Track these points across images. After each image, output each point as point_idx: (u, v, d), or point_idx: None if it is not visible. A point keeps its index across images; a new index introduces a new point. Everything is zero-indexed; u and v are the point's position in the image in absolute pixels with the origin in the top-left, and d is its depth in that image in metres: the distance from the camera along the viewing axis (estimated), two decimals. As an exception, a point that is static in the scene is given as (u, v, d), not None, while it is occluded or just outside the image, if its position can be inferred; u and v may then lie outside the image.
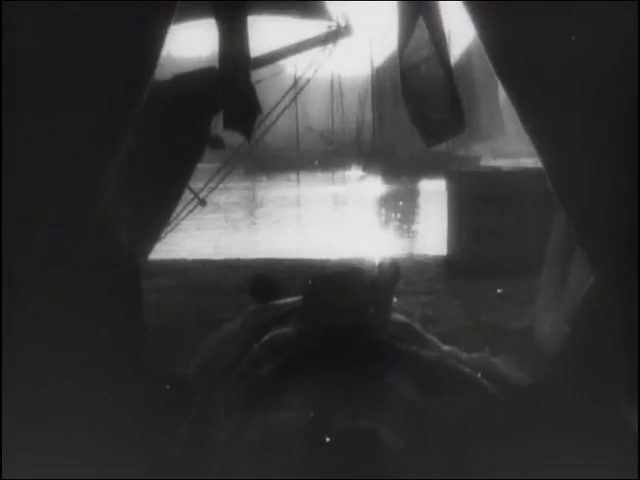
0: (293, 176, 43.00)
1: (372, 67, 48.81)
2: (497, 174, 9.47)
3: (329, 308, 3.52)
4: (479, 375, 3.36)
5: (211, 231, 17.67)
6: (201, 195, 11.23)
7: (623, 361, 3.04)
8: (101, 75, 3.03)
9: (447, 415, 3.10)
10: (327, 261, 9.19)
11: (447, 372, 3.33)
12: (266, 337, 3.54)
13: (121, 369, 3.38)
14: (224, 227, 19.51)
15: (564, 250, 3.92)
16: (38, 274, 3.05)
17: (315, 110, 56.47)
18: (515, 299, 6.14)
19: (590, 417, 3.16)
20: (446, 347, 3.61)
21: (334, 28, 11.48)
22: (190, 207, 11.28)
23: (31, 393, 3.03)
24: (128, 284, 3.52)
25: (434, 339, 3.65)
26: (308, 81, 12.68)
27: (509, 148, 51.54)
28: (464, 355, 3.57)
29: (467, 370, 3.37)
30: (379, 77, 42.95)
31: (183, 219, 11.39)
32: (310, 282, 3.71)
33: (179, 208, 10.76)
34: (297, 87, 13.33)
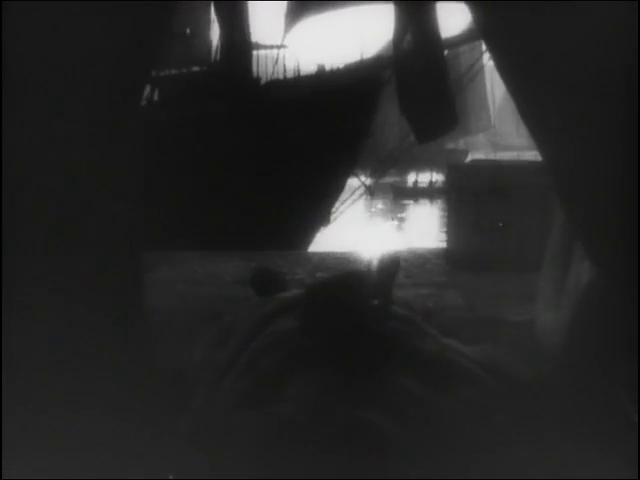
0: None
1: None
2: (497, 167, 9.49)
3: (330, 306, 3.52)
4: (480, 368, 3.37)
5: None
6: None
7: (623, 356, 3.06)
8: (100, 74, 3.04)
9: (448, 408, 3.11)
10: (327, 254, 9.18)
11: (448, 365, 3.33)
12: (268, 330, 3.54)
13: (123, 363, 3.38)
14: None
15: (565, 242, 3.92)
16: (39, 269, 3.05)
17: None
18: (515, 291, 6.14)
19: (591, 411, 3.17)
20: (447, 340, 3.62)
21: None
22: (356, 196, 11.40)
23: (31, 391, 3.03)
24: (131, 277, 3.53)
25: (435, 332, 3.65)
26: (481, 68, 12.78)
27: (509, 141, 51.41)
28: (465, 348, 3.57)
29: (468, 363, 3.38)
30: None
31: (349, 207, 11.43)
32: (311, 281, 3.71)
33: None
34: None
